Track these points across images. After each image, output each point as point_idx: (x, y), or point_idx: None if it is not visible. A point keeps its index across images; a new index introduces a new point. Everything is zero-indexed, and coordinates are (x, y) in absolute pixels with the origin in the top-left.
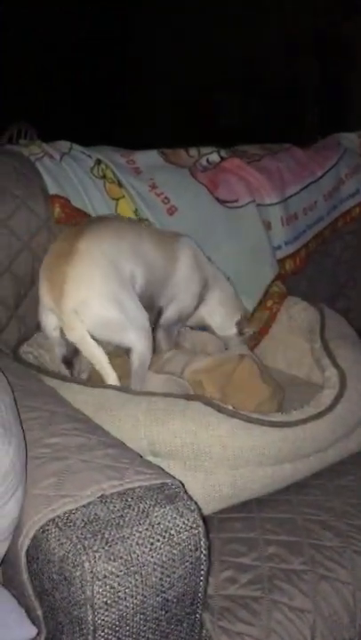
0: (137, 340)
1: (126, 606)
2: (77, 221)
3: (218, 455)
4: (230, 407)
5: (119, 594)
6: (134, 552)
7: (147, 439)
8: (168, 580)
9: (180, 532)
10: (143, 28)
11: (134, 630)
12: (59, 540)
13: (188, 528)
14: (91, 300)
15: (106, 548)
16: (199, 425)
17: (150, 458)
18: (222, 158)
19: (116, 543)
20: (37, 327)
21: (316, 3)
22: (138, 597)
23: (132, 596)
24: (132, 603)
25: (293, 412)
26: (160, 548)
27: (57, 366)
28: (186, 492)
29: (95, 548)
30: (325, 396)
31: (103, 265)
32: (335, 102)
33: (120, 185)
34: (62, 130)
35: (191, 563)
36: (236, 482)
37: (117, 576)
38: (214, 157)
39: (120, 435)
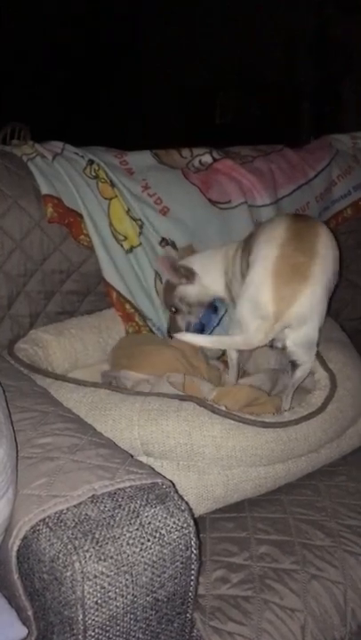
0: (309, 360)
1: (117, 606)
2: (69, 221)
3: (211, 455)
4: (223, 408)
5: (110, 594)
6: (125, 552)
7: (140, 439)
8: (158, 579)
9: (170, 532)
10: (141, 27)
11: (125, 630)
12: (49, 540)
13: (178, 528)
14: (308, 324)
15: (96, 547)
16: (193, 425)
17: (143, 458)
18: (215, 159)
19: (107, 543)
20: (30, 326)
21: (313, 4)
22: (128, 597)
23: (123, 596)
24: (123, 602)
25: (285, 413)
26: (150, 548)
27: (50, 364)
28: (177, 491)
29: (86, 548)
30: (316, 397)
31: (325, 291)
32: (331, 103)
33: (113, 185)
34: (56, 130)
35: (182, 562)
36: (228, 482)
37: (108, 576)
38: (207, 159)
39: (113, 434)
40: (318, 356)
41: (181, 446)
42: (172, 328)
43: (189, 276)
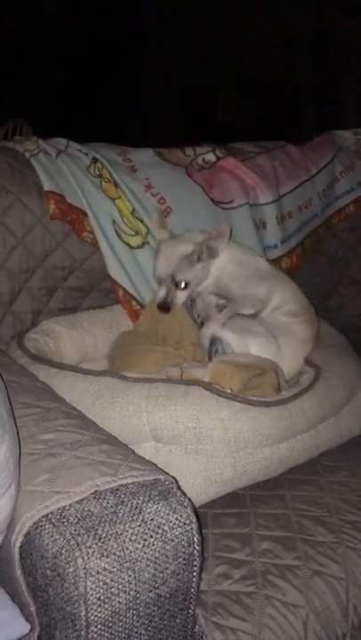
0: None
1: (119, 602)
2: (72, 218)
3: (219, 438)
4: (228, 391)
5: (112, 590)
6: (127, 548)
7: (149, 425)
8: (161, 575)
9: (173, 528)
10: (141, 27)
11: (127, 626)
12: (52, 536)
13: (181, 524)
14: None
15: (99, 544)
16: (201, 409)
17: (152, 443)
18: (218, 158)
19: (110, 539)
20: (32, 323)
21: (313, 4)
22: (131, 593)
23: (125, 592)
24: (125, 599)
25: (283, 392)
26: (153, 544)
27: (60, 356)
28: (179, 487)
29: (88, 545)
30: (304, 379)
31: None
32: (331, 103)
33: (116, 185)
34: (57, 131)
35: (184, 559)
36: (236, 464)
37: (110, 572)
38: (210, 157)
39: (122, 421)
40: (306, 358)
41: (190, 430)
42: (171, 302)
43: (214, 255)
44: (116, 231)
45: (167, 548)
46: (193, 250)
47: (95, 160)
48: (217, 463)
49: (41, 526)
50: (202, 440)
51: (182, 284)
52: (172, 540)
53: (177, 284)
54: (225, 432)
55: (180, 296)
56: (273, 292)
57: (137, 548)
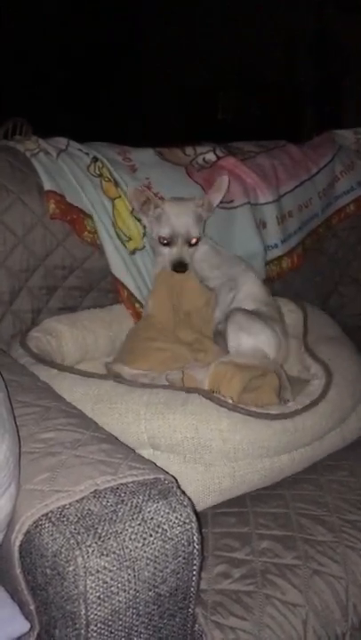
0: None
1: (119, 601)
2: (72, 218)
3: (218, 449)
4: (230, 400)
5: (112, 588)
6: (127, 547)
7: (147, 433)
8: (161, 574)
9: (172, 527)
10: (141, 27)
11: (127, 625)
12: (52, 534)
13: (180, 523)
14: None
15: (99, 543)
16: (200, 419)
17: (150, 450)
18: (218, 157)
19: (109, 538)
20: (33, 322)
21: (313, 4)
22: (130, 592)
23: (125, 591)
24: (125, 597)
25: (289, 403)
26: (153, 543)
27: (62, 354)
28: (179, 487)
29: (88, 543)
30: (315, 387)
31: None
32: (331, 103)
33: (116, 184)
34: (57, 131)
35: (184, 557)
36: (235, 474)
37: (110, 571)
38: (210, 156)
39: (120, 428)
40: (310, 351)
41: (188, 440)
42: (184, 258)
43: (211, 210)
44: (117, 233)
45: (167, 546)
46: (197, 205)
47: (95, 159)
48: (215, 472)
49: (41, 525)
50: (200, 450)
51: (193, 241)
52: (172, 539)
53: (189, 242)
54: (224, 443)
55: (192, 253)
56: (248, 275)
57: (137, 547)
